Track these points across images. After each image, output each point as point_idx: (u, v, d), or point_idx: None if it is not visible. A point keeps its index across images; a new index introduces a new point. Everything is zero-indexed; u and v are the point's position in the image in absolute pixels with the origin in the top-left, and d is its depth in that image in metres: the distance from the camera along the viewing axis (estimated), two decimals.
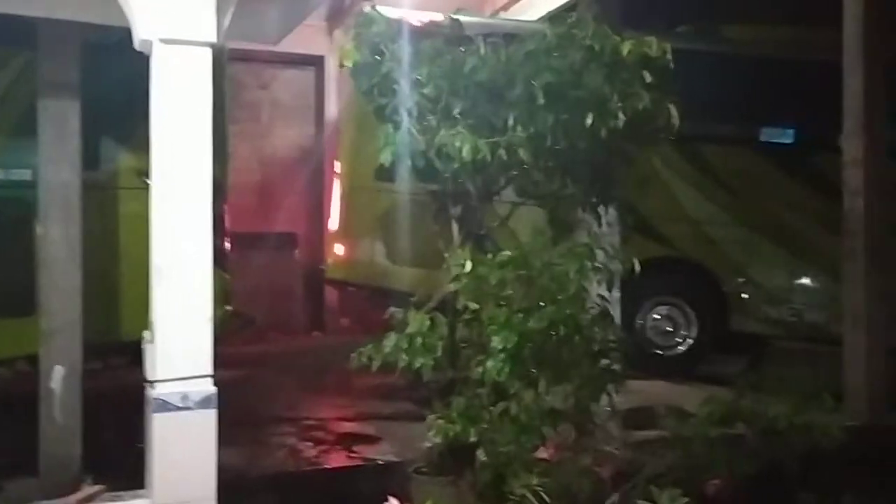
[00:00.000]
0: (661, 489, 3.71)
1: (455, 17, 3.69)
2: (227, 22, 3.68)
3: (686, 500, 3.62)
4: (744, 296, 7.17)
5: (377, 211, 6.92)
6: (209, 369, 3.63)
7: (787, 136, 7.44)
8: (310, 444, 5.28)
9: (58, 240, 4.70)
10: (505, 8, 8.48)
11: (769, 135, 7.42)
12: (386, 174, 6.95)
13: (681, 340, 7.07)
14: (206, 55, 3.58)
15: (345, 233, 7.22)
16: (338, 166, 7.35)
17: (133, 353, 5.77)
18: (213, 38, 3.57)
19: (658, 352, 7.01)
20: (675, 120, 3.38)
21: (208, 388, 3.61)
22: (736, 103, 6.98)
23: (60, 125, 4.71)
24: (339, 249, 7.28)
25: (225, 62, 5.65)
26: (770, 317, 7.21)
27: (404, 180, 6.63)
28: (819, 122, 7.28)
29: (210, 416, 3.60)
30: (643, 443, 4.58)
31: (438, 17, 4.25)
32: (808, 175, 7.26)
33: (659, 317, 7.00)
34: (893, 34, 5.81)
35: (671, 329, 7.02)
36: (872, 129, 5.68)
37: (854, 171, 5.76)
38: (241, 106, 8.40)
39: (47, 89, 4.68)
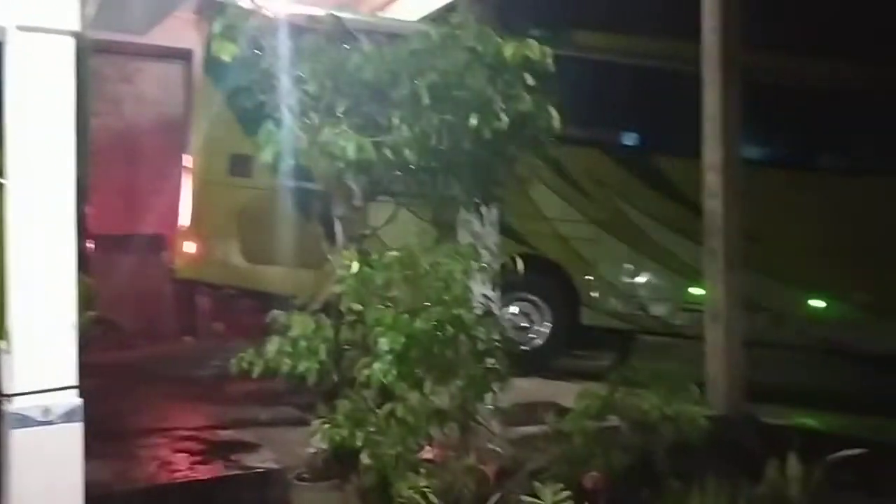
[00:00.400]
0: (544, 484, 3.80)
1: (336, 13, 3.63)
2: (91, 10, 3.47)
3: (567, 493, 3.73)
4: (593, 291, 7.50)
5: (231, 207, 6.78)
6: (74, 380, 3.42)
7: (634, 140, 7.87)
8: (184, 454, 5.05)
9: None
10: (381, 8, 8.44)
11: (618, 138, 7.83)
12: (240, 169, 6.94)
13: (535, 336, 7.26)
14: (69, 44, 3.37)
15: (196, 230, 6.98)
16: (189, 161, 7.08)
17: None
18: (76, 27, 3.36)
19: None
20: (556, 122, 3.46)
21: (73, 400, 3.39)
22: (587, 106, 7.16)
23: None
24: (189, 247, 7.03)
25: (87, 53, 5.34)
26: (618, 311, 7.55)
27: (260, 175, 6.62)
28: (665, 127, 7.76)
29: (76, 430, 3.39)
30: (523, 439, 4.69)
31: (317, 12, 4.21)
32: (653, 176, 7.65)
33: (515, 312, 7.14)
34: (748, 46, 6.21)
35: (526, 325, 7.20)
36: (729, 136, 6.04)
37: (712, 176, 6.10)
38: (103, 100, 7.95)
39: None
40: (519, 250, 6.77)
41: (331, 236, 3.72)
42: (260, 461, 4.88)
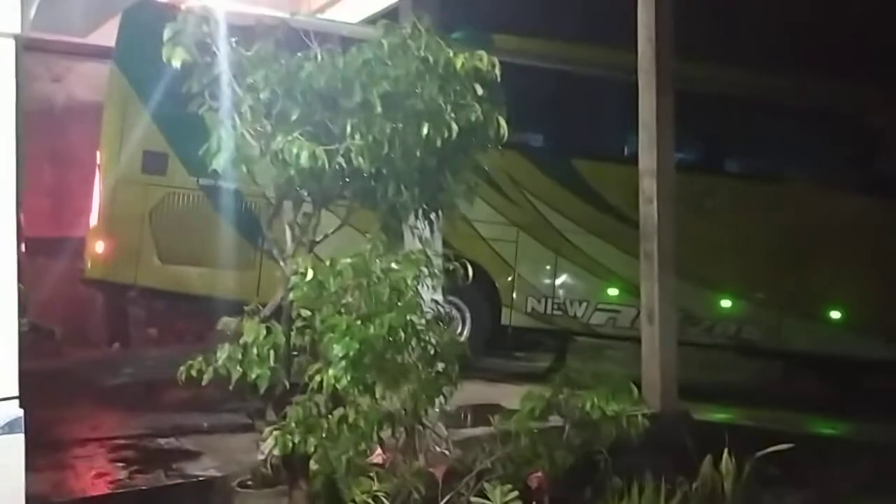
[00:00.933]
0: (492, 485, 3.89)
1: (288, 17, 3.63)
2: (32, 12, 3.39)
3: (515, 494, 3.82)
4: (513, 292, 7.64)
5: (144, 206, 6.61)
6: (14, 390, 3.33)
7: (554, 143, 8.01)
8: (121, 464, 4.95)
9: None
10: (321, 10, 8.42)
11: (536, 140, 7.97)
12: (154, 166, 6.77)
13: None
14: (9, 47, 3.28)
15: (107, 229, 6.80)
16: (99, 158, 6.88)
17: None
18: (17, 29, 3.28)
19: None
20: (504, 131, 3.54)
21: (14, 410, 3.32)
22: (507, 109, 7.31)
23: None
24: (99, 247, 6.85)
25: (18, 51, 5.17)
26: (537, 311, 7.70)
27: (176, 173, 6.47)
28: (585, 131, 8.05)
29: (17, 442, 3.32)
30: (469, 440, 4.76)
31: (265, 14, 4.19)
32: (572, 180, 7.83)
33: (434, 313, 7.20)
34: (681, 55, 6.44)
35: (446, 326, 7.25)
36: (664, 142, 6.25)
37: (648, 181, 6.31)
38: (31, 99, 7.69)
39: None
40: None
41: (279, 241, 3.71)
42: (202, 469, 4.85)
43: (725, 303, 8.09)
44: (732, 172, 8.44)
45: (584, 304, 7.80)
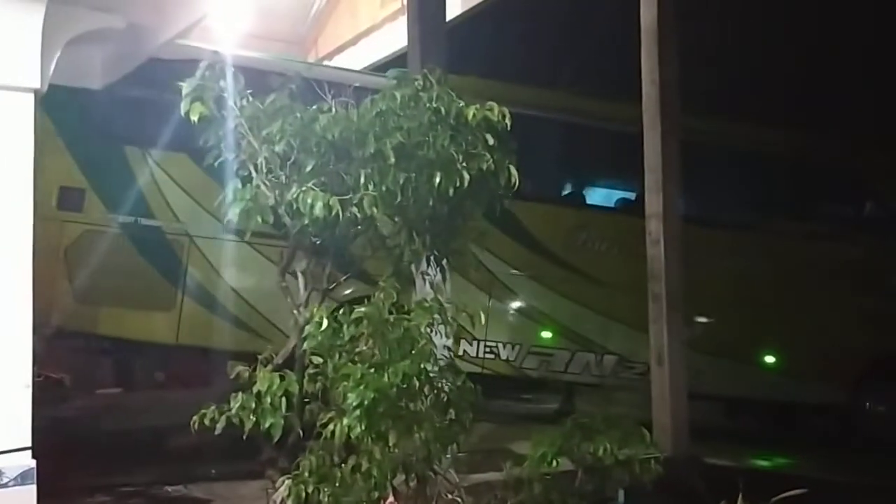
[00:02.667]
0: None
1: (303, 70, 3.70)
2: (52, 67, 3.47)
3: None
4: None
5: (59, 243, 6.25)
6: (27, 440, 3.33)
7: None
8: None
9: None
10: (329, 56, 8.56)
11: None
12: (70, 203, 6.19)
13: None
14: (29, 101, 3.35)
15: None
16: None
17: None
18: (38, 84, 3.36)
19: None
20: (515, 179, 3.59)
21: (27, 461, 3.32)
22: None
23: None
24: None
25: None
26: (468, 354, 7.29)
27: (93, 210, 6.24)
28: (521, 172, 7.89)
29: (30, 493, 3.32)
30: (479, 486, 4.73)
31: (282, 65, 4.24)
32: (507, 221, 7.25)
33: None
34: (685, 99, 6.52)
35: None
36: (669, 185, 6.30)
37: (654, 223, 6.34)
38: None
39: None
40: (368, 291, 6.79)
41: (292, 289, 3.74)
42: None
43: None
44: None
45: (517, 347, 7.63)
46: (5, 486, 3.25)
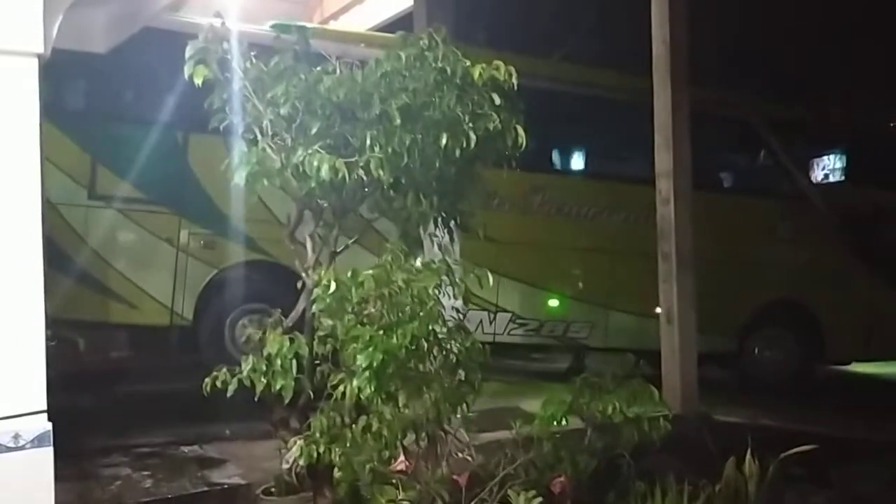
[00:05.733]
0: (515, 491, 3.91)
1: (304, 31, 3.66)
2: (55, 31, 3.44)
3: (539, 500, 3.84)
4: None
5: None
6: (43, 404, 3.38)
7: None
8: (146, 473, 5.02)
9: None
10: (335, 16, 8.46)
11: None
12: None
13: None
14: (33, 66, 3.33)
15: None
16: None
17: None
18: (41, 48, 3.33)
19: None
20: (523, 139, 3.56)
21: (43, 424, 3.37)
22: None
23: None
24: None
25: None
26: None
27: None
28: None
29: (46, 455, 3.36)
30: (489, 445, 4.78)
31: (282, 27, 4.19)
32: None
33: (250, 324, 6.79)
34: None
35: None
36: (679, 144, 6.24)
37: (664, 181, 6.31)
38: None
39: None
40: (253, 258, 6.59)
41: (300, 252, 3.75)
42: (226, 477, 4.91)
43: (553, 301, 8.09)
44: (557, 170, 8.48)
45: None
46: (22, 448, 3.30)
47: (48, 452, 3.37)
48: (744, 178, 9.14)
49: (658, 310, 7.39)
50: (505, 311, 7.68)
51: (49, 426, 3.37)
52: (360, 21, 8.49)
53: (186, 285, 6.52)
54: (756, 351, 8.70)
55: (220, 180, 6.16)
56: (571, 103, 7.92)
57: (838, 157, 9.58)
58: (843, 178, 9.51)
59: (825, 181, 9.57)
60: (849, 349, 8.99)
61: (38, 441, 3.34)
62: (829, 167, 9.66)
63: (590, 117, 8.19)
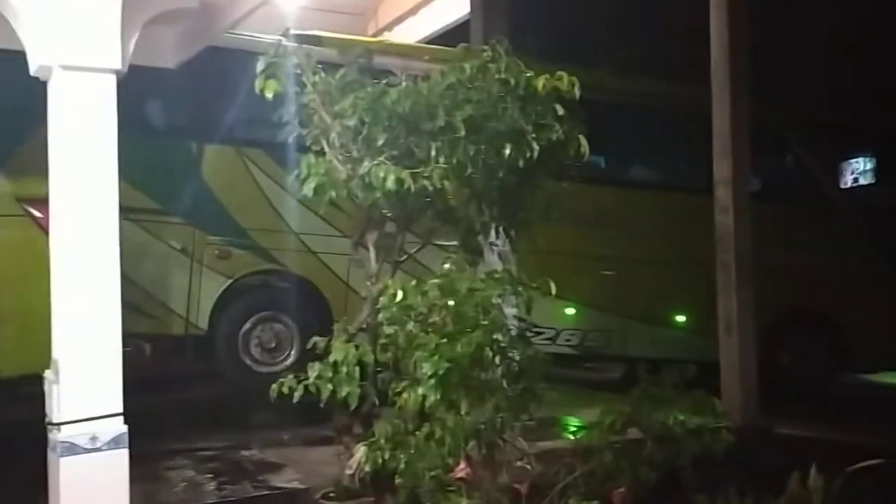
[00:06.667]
0: (575, 501, 3.89)
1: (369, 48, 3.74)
2: (131, 48, 3.57)
3: None
4: (349, 309, 6.90)
5: None
6: (119, 407, 3.50)
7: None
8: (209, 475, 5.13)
9: None
10: (389, 27, 8.57)
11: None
12: None
13: (285, 356, 6.85)
14: (111, 82, 3.46)
15: None
16: None
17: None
18: (119, 65, 3.46)
19: (262, 369, 6.75)
20: (585, 149, 3.57)
21: (119, 427, 3.49)
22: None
23: None
24: None
25: None
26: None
27: None
28: None
29: (122, 457, 3.49)
30: (547, 454, 4.77)
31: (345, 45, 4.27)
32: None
33: (262, 333, 6.81)
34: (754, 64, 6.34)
35: (275, 345, 6.80)
36: (739, 151, 6.15)
37: (723, 190, 6.22)
38: None
39: None
40: (264, 267, 6.68)
41: (365, 261, 3.81)
42: (285, 481, 4.99)
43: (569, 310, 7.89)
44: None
45: None
46: (98, 449, 3.42)
47: (123, 454, 3.49)
48: (771, 183, 8.77)
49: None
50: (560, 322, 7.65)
51: (125, 428, 3.49)
52: (414, 32, 8.59)
53: (201, 295, 6.59)
54: (784, 359, 8.44)
55: (233, 190, 6.48)
56: (622, 113, 7.86)
57: (867, 160, 9.32)
58: (872, 181, 9.24)
59: (854, 185, 9.30)
60: (877, 358, 8.69)
61: (114, 443, 3.47)
62: (857, 171, 9.40)
63: (646, 127, 8.10)
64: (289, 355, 6.81)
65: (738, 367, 6.06)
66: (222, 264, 6.57)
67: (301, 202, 6.33)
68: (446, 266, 3.48)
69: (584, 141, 3.56)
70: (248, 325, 6.70)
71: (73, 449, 3.38)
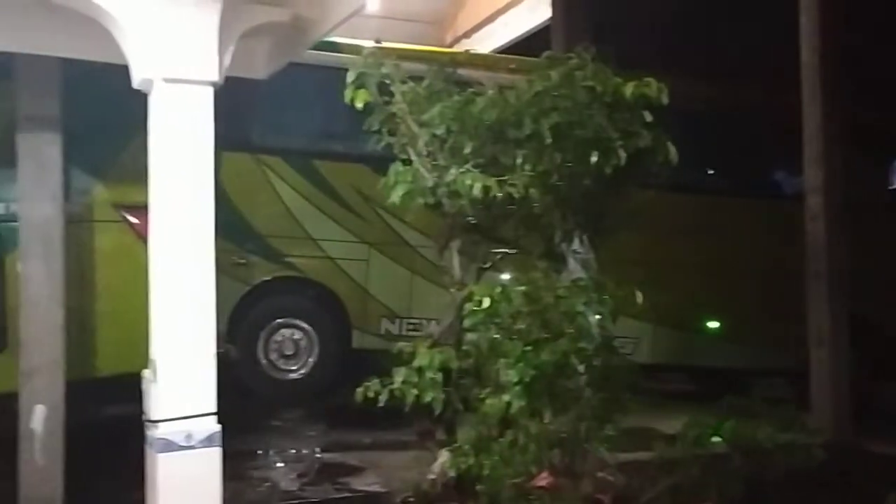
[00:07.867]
0: None
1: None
2: (227, 60, 3.70)
3: None
4: (365, 314, 7.04)
5: None
6: (213, 406, 3.61)
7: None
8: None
9: (39, 277, 4.62)
10: (467, 35, 8.64)
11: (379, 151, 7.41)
12: None
13: (303, 363, 6.89)
14: (209, 94, 3.59)
15: None
16: None
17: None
18: (216, 77, 3.59)
19: (280, 376, 6.86)
20: (674, 157, 3.52)
21: (212, 426, 3.60)
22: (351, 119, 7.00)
23: (40, 159, 4.64)
24: None
25: None
26: (390, 332, 7.02)
27: None
28: None
29: (215, 455, 3.59)
30: (629, 465, 4.70)
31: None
32: None
33: (281, 339, 6.85)
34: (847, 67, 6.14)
35: (293, 352, 6.85)
36: (831, 158, 5.96)
37: (814, 198, 6.03)
38: None
39: (27, 123, 4.61)
40: (282, 273, 6.69)
41: (449, 268, 3.85)
42: (366, 484, 5.08)
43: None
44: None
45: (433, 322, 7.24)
46: (193, 447, 3.54)
47: (217, 452, 3.60)
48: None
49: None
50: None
51: (218, 427, 3.60)
52: (492, 39, 8.64)
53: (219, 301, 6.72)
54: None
55: (251, 198, 6.52)
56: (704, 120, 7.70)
57: None
58: None
59: None
60: None
61: (208, 441, 3.58)
62: None
63: (730, 135, 7.91)
64: (307, 361, 6.88)
65: (829, 381, 5.86)
66: (241, 271, 6.63)
67: (318, 208, 6.73)
68: (534, 274, 3.47)
69: (672, 148, 3.51)
70: (266, 332, 6.79)
71: (169, 445, 3.50)
